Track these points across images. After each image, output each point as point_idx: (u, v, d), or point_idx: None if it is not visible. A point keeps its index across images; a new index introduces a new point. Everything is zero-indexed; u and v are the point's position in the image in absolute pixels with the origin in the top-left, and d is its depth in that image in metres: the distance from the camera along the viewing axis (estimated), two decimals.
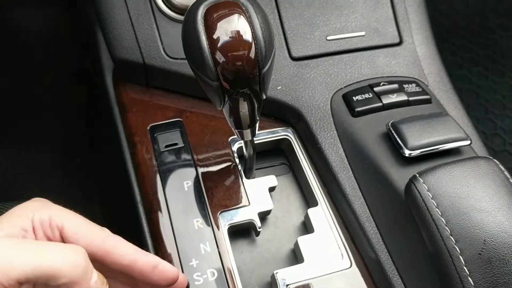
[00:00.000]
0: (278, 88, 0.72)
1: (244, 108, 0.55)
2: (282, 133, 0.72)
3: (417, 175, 0.56)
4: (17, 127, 1.23)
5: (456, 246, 0.50)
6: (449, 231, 0.51)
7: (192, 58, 0.51)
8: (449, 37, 1.82)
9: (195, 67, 0.51)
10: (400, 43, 0.78)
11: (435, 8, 1.86)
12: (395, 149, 0.62)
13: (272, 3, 0.75)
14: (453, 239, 0.51)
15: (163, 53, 0.72)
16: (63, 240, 0.47)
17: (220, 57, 0.49)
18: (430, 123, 0.63)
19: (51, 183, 1.17)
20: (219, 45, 0.48)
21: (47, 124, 1.24)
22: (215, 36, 0.49)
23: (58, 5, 1.27)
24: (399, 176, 0.60)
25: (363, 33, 0.77)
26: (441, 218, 0.52)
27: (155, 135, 0.69)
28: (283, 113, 0.72)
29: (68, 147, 1.24)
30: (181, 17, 0.72)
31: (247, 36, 0.49)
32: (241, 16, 0.49)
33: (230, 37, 0.49)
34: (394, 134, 0.62)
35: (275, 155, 0.74)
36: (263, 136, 0.72)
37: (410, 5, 0.81)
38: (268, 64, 0.51)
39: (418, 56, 0.78)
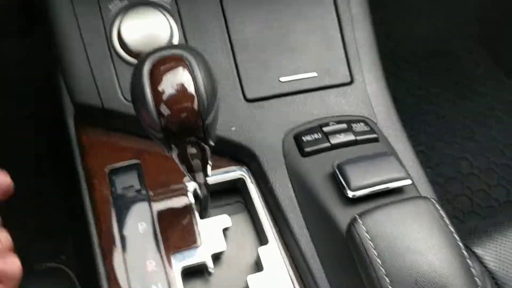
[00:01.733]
0: (232, 129, 0.75)
1: (193, 153, 0.58)
2: (237, 172, 0.75)
3: (357, 217, 0.58)
4: None
5: (390, 287, 0.53)
6: (384, 271, 0.54)
7: (137, 111, 0.54)
8: (413, 60, 1.86)
9: (141, 120, 0.54)
10: (351, 82, 0.82)
11: (397, 37, 1.90)
12: (340, 189, 0.65)
13: (228, 47, 0.79)
14: (387, 279, 0.53)
15: (121, 96, 0.74)
16: None
17: (164, 110, 0.51)
18: (374, 163, 0.67)
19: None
20: (163, 98, 0.51)
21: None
22: (160, 89, 0.52)
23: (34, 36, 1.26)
24: (343, 216, 0.63)
25: (315, 73, 0.81)
26: (377, 259, 0.55)
27: (113, 177, 0.72)
28: (238, 153, 0.75)
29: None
30: None
31: (190, 89, 0.52)
32: (185, 71, 0.52)
33: (173, 90, 0.52)
34: (339, 175, 0.65)
35: (231, 193, 0.77)
36: (218, 176, 0.74)
37: (361, 45, 0.85)
38: (212, 116, 0.54)
39: (368, 95, 0.81)
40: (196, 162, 0.59)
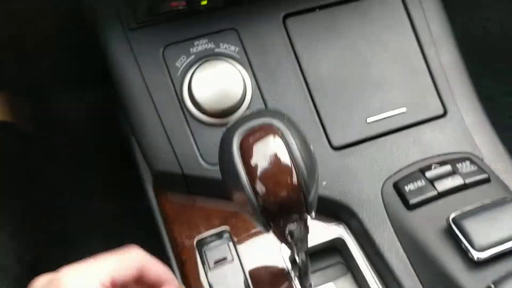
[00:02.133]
0: (324, 183, 0.68)
1: (293, 230, 0.52)
2: (334, 232, 0.69)
3: (493, 286, 0.51)
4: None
5: None
6: None
7: (230, 189, 0.49)
8: (489, 62, 1.74)
9: (234, 200, 0.49)
10: (445, 114, 0.74)
11: (472, 37, 1.78)
12: (461, 249, 0.58)
13: (305, 91, 0.73)
14: None
15: (201, 161, 0.70)
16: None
17: (260, 188, 0.46)
18: (495, 213, 0.58)
19: None
20: (258, 174, 0.46)
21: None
22: (253, 164, 0.46)
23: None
24: (470, 283, 0.55)
25: (404, 109, 0.73)
26: None
27: (203, 250, 0.67)
28: (333, 209, 0.69)
29: None
30: (214, 121, 0.71)
31: (286, 162, 0.46)
32: (278, 141, 0.47)
33: (268, 165, 0.46)
34: (458, 232, 0.57)
35: (330, 253, 0.70)
36: (315, 237, 0.68)
37: (449, 70, 0.77)
38: (314, 189, 0.48)
39: (466, 126, 0.73)
40: (297, 237, 0.53)
